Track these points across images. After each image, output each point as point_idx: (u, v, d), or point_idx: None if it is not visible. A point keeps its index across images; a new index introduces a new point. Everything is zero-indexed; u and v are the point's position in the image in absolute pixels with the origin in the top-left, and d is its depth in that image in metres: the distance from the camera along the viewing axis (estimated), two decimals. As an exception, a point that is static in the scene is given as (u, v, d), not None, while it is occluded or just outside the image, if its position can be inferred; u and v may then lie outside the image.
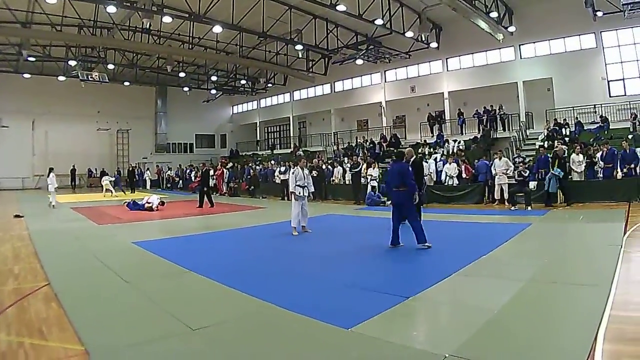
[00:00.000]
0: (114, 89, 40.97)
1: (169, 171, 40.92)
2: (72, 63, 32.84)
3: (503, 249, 8.91)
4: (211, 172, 25.13)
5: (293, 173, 12.26)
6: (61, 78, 35.93)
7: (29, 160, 39.38)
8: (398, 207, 9.58)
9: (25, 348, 4.52)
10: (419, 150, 24.27)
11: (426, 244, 9.07)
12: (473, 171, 19.65)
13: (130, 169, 37.32)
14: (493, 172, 17.48)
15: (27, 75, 35.21)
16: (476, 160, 19.93)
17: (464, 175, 19.72)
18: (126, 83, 40.43)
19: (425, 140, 29.25)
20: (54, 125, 40.07)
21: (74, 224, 14.75)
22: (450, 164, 20.29)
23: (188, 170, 37.24)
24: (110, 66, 35.28)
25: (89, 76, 33.40)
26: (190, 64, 38.55)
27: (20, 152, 38.41)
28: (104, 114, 43.24)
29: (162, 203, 19.87)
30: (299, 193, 11.94)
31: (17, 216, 16.78)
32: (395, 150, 17.40)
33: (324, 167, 25.10)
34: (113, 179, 32.36)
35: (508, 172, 17.01)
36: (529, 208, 15.46)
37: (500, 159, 17.54)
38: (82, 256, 9.31)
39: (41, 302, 6.12)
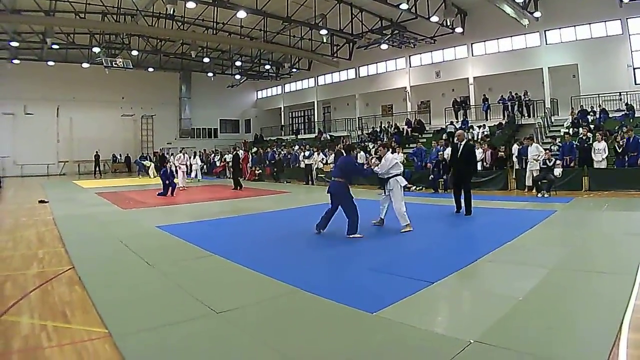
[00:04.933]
0: (138, 75, 41.45)
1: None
2: (96, 50, 33.06)
3: (527, 236, 8.80)
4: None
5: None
6: (85, 65, 36.18)
7: (53, 147, 39.92)
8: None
9: (48, 331, 4.57)
10: (443, 137, 24.05)
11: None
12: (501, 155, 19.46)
13: (161, 154, 37.66)
14: (529, 156, 17.16)
15: (51, 63, 35.51)
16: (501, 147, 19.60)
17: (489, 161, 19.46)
18: (150, 69, 40.75)
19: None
20: (78, 111, 40.49)
21: (99, 209, 14.84)
22: (479, 148, 20.02)
23: (212, 155, 37.58)
24: (134, 52, 35.50)
25: (113, 63, 33.71)
26: (215, 50, 38.46)
27: (45, 139, 38.93)
28: (128, 100, 43.52)
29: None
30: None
31: (41, 201, 16.97)
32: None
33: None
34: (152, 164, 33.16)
35: (539, 157, 16.67)
36: (547, 195, 15.26)
37: (531, 145, 17.29)
38: (106, 240, 9.37)
39: (65, 286, 6.20)
